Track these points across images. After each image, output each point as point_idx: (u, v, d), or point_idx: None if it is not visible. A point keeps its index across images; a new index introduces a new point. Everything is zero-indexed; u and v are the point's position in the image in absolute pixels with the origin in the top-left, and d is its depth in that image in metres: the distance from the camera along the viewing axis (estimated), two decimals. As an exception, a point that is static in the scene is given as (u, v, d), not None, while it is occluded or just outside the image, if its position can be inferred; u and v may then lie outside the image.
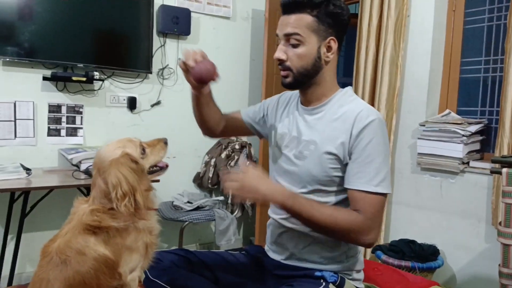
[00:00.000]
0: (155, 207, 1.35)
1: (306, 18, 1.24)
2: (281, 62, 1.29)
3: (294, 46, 1.26)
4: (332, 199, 1.29)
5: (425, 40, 2.65)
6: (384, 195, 1.22)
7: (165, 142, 1.42)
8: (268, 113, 1.52)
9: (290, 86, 1.33)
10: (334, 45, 1.28)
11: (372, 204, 1.20)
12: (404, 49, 2.69)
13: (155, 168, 1.39)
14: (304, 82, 1.31)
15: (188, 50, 1.28)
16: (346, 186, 1.25)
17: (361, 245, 1.29)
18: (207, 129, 1.53)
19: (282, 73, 1.30)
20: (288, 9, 1.26)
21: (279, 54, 1.28)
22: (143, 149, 1.31)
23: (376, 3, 2.75)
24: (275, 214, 1.40)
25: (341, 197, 1.29)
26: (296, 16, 1.24)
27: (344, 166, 1.26)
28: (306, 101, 1.37)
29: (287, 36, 1.26)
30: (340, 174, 1.27)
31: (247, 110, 1.58)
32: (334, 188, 1.29)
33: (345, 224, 1.19)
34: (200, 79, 1.29)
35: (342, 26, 1.29)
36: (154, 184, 2.72)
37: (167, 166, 1.43)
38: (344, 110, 1.28)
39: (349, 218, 1.20)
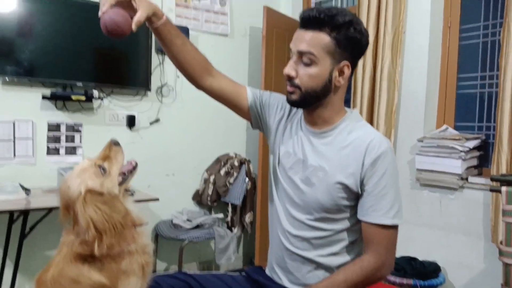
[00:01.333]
0: (142, 223, 1.33)
1: (323, 38, 1.17)
2: (290, 78, 1.23)
3: (306, 64, 1.20)
4: (338, 226, 1.27)
5: (421, 56, 2.68)
6: (398, 225, 1.23)
7: (114, 143, 1.34)
8: (273, 111, 1.42)
9: (295, 104, 1.28)
10: (347, 71, 1.23)
11: (387, 236, 1.22)
12: (401, 65, 2.72)
13: (125, 175, 1.34)
14: (310, 103, 1.26)
15: None
16: (361, 218, 1.24)
17: (382, 278, 1.29)
18: (187, 76, 1.37)
19: (289, 89, 1.25)
20: (306, 24, 1.20)
21: (289, 70, 1.22)
22: (102, 168, 1.26)
23: (372, 20, 2.78)
24: (280, 235, 1.36)
25: (347, 224, 1.28)
26: (314, 34, 1.18)
27: (353, 194, 1.24)
28: (311, 122, 1.31)
29: (300, 54, 1.20)
30: (348, 203, 1.25)
31: (255, 91, 1.43)
32: (340, 216, 1.26)
33: (362, 277, 1.21)
34: (106, 31, 1.14)
35: (358, 52, 1.25)
36: (153, 204, 2.75)
37: (135, 164, 1.37)
38: (353, 137, 1.25)
39: (361, 270, 1.21)
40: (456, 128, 2.67)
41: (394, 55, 2.69)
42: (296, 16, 3.74)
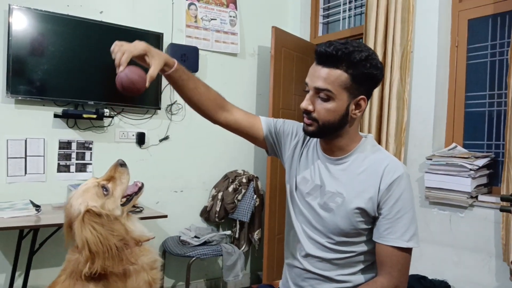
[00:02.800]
0: (148, 239, 1.32)
1: (340, 75, 1.18)
2: (307, 112, 1.25)
3: (323, 100, 1.21)
4: (358, 248, 1.28)
5: (429, 75, 2.69)
6: (412, 249, 1.24)
7: (120, 164, 1.37)
8: (288, 139, 1.45)
9: (312, 135, 1.31)
10: (364, 104, 1.25)
11: (401, 259, 1.22)
12: (409, 84, 2.73)
13: (129, 196, 1.35)
14: (327, 134, 1.28)
15: (113, 48, 1.18)
16: (376, 240, 1.25)
17: None
18: (202, 114, 1.41)
19: (306, 121, 1.27)
20: (322, 60, 1.20)
21: (307, 105, 1.24)
22: (105, 189, 1.28)
23: (380, 39, 2.81)
24: (299, 256, 1.36)
25: (367, 246, 1.29)
26: (330, 71, 1.18)
27: (370, 218, 1.25)
28: (328, 150, 1.34)
29: (317, 90, 1.21)
30: (366, 226, 1.26)
31: (269, 121, 1.47)
32: (360, 239, 1.28)
33: None
34: (122, 88, 1.18)
35: (374, 86, 1.26)
36: (161, 220, 2.75)
37: (141, 186, 1.39)
38: (369, 162, 1.27)
39: None
40: (465, 146, 2.67)
41: (402, 74, 2.71)
42: (304, 36, 3.79)
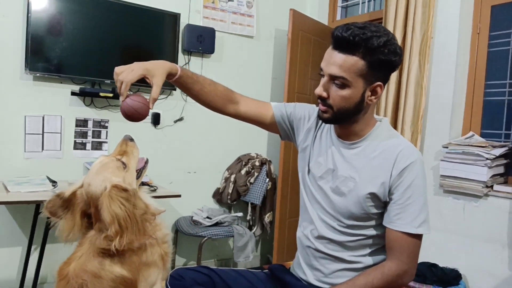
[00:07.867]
0: (160, 212, 1.34)
1: (356, 62, 1.15)
2: (321, 98, 1.23)
3: (338, 86, 1.19)
4: (369, 232, 1.29)
5: (449, 62, 2.65)
6: (422, 235, 1.23)
7: (129, 139, 1.40)
8: (301, 123, 1.45)
9: (327, 122, 1.30)
10: (380, 90, 1.22)
11: (411, 245, 1.22)
12: (429, 70, 2.69)
13: (138, 171, 1.38)
14: (343, 120, 1.26)
15: (114, 76, 1.22)
16: (386, 225, 1.24)
17: (403, 286, 1.28)
18: (211, 109, 1.43)
19: (321, 107, 1.25)
20: (339, 46, 1.17)
21: (321, 91, 1.22)
22: (123, 163, 1.30)
23: (400, 25, 2.76)
24: (311, 236, 1.37)
25: (378, 230, 1.29)
26: (346, 58, 1.15)
27: (381, 203, 1.25)
28: (342, 135, 1.33)
29: (332, 77, 1.19)
30: (377, 211, 1.26)
31: (280, 107, 1.47)
32: (370, 223, 1.28)
33: (382, 282, 1.21)
34: (126, 117, 1.23)
35: (392, 71, 1.23)
36: (174, 200, 2.77)
37: (147, 160, 1.43)
38: (383, 147, 1.25)
39: (382, 275, 1.21)
40: (482, 135, 2.63)
41: (421, 60, 2.66)
42: (322, 19, 3.73)
